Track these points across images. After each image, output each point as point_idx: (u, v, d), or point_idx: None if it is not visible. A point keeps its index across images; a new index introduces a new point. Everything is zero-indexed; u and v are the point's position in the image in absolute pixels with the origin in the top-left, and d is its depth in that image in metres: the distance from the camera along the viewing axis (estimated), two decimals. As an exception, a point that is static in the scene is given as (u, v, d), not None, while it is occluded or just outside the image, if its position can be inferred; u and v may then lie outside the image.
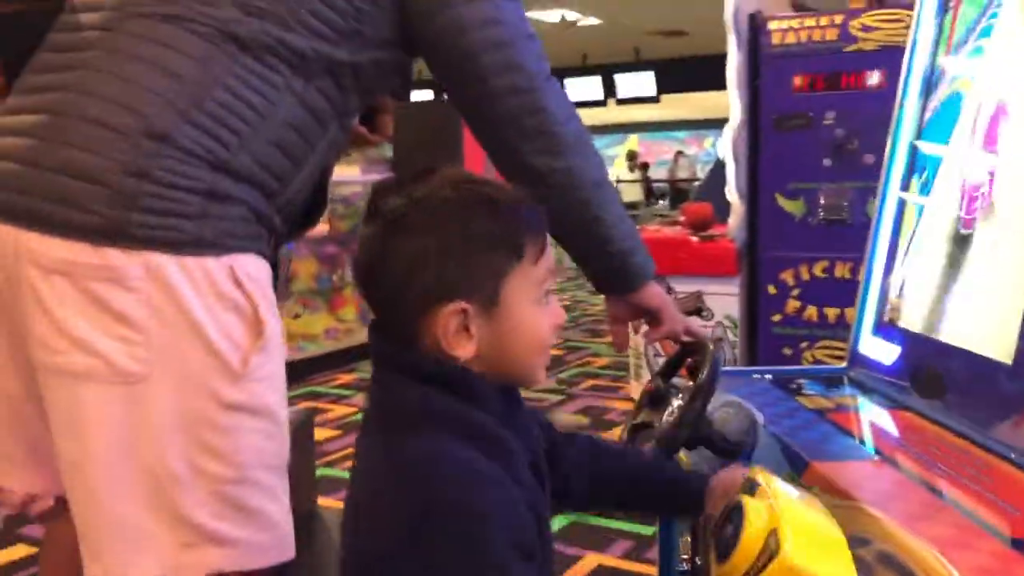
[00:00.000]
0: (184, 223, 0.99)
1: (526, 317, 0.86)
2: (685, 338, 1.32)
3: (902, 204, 1.52)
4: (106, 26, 1.04)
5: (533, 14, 11.50)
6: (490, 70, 1.12)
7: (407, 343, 0.85)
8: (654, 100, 13.09)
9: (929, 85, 1.51)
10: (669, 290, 3.50)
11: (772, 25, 3.14)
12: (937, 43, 1.51)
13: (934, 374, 1.32)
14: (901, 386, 1.38)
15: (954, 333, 1.29)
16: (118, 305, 0.97)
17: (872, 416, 1.40)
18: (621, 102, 13.76)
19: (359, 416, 1.32)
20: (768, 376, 1.56)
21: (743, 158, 3.21)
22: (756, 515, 0.83)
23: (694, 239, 3.47)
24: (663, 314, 1.31)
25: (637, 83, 13.34)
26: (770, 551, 0.80)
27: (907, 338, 1.41)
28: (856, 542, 0.95)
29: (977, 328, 1.24)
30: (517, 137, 1.15)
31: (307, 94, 1.08)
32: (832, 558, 0.81)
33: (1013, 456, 1.07)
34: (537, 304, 0.87)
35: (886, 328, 1.48)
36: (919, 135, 1.51)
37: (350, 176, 4.82)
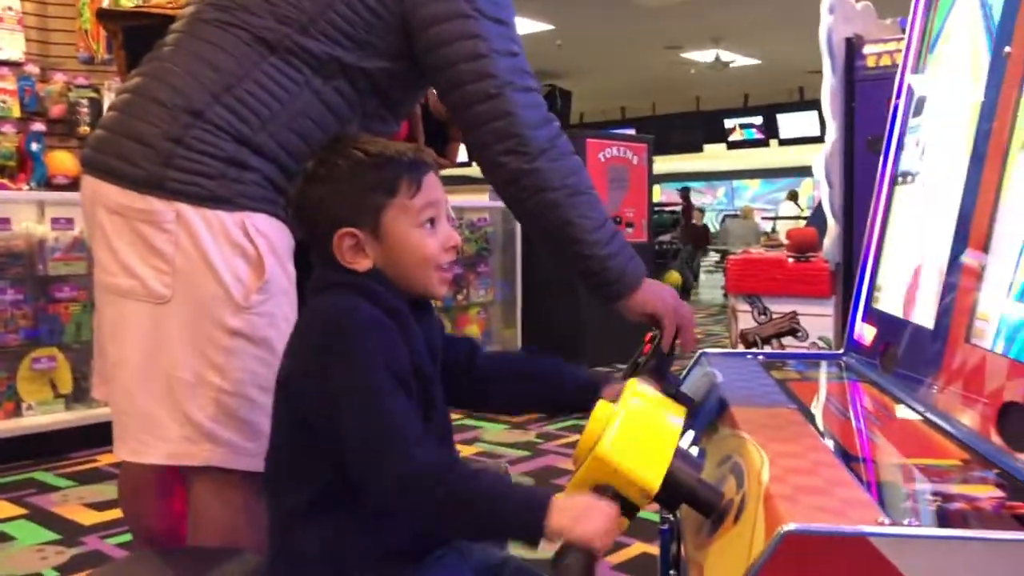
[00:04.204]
0: (206, 182, 1.25)
1: (408, 239, 1.10)
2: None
3: (890, 197, 1.61)
4: (182, 29, 1.35)
5: (689, 54, 11.62)
6: (466, 77, 1.30)
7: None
8: (820, 140, 12.87)
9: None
10: (764, 311, 3.54)
11: (868, 49, 3.17)
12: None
13: (891, 350, 1.40)
14: (874, 364, 1.46)
15: (911, 310, 1.37)
16: (154, 241, 1.25)
17: (828, 385, 1.48)
18: (784, 143, 13.60)
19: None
20: (760, 357, 1.66)
21: (838, 179, 3.24)
22: (601, 413, 0.97)
23: (790, 260, 3.50)
24: (664, 321, 1.34)
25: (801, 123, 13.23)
26: (595, 442, 0.94)
27: (882, 320, 1.49)
28: (723, 459, 1.08)
29: (923, 301, 1.32)
30: (490, 137, 1.31)
31: (324, 91, 1.32)
32: (646, 459, 0.93)
33: (923, 411, 1.16)
34: (418, 228, 1.11)
35: (869, 312, 1.56)
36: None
37: (478, 202, 5.12)
